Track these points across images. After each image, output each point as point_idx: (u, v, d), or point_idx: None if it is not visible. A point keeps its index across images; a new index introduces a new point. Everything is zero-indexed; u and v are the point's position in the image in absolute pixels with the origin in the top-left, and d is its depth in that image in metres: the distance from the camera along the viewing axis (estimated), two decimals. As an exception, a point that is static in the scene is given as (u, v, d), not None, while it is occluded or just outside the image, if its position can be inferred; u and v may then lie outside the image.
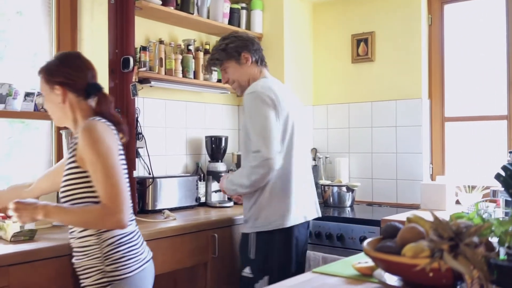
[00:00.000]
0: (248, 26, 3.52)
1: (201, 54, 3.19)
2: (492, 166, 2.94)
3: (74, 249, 1.82)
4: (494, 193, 2.60)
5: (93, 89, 1.86)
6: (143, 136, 2.89)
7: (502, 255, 1.15)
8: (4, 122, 2.56)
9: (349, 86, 3.60)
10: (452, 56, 3.31)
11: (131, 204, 1.81)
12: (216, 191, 3.11)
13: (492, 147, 3.13)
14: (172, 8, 2.95)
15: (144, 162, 2.96)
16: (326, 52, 3.73)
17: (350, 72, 3.60)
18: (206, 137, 3.31)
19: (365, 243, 1.31)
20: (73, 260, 1.83)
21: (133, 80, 2.74)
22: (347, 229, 2.80)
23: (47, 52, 2.68)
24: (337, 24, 3.66)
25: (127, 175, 1.80)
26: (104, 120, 1.80)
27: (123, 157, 1.84)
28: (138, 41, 2.89)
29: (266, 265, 2.22)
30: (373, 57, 3.48)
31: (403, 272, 1.18)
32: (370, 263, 1.42)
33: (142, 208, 2.79)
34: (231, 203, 3.10)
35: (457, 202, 2.99)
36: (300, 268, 2.35)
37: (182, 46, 3.16)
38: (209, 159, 3.32)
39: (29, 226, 2.00)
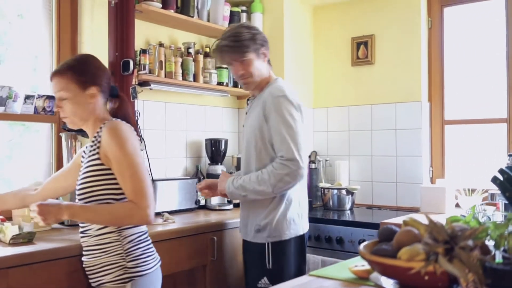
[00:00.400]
0: (248, 29, 3.52)
1: (201, 57, 3.20)
2: (492, 169, 2.92)
3: (89, 248, 1.83)
4: (492, 196, 2.60)
5: (115, 91, 1.95)
6: (143, 138, 2.90)
7: (498, 259, 1.15)
8: (5, 124, 2.57)
9: (349, 89, 3.61)
10: (452, 59, 3.31)
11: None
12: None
13: (492, 150, 3.13)
14: (172, 11, 2.96)
15: (144, 165, 2.96)
16: (326, 55, 3.73)
17: (350, 75, 3.60)
18: (206, 139, 3.32)
19: (362, 246, 1.31)
20: (86, 259, 1.84)
21: (133, 83, 2.75)
22: (347, 232, 2.79)
23: (47, 55, 2.69)
24: (337, 27, 3.67)
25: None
26: (124, 122, 1.86)
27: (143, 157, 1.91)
28: (138, 44, 2.90)
29: (283, 273, 2.18)
30: (373, 60, 3.49)
31: (398, 275, 1.18)
32: (366, 266, 1.42)
33: (142, 210, 2.78)
34: (231, 206, 3.10)
35: (457, 205, 2.98)
36: None
37: (182, 49, 3.16)
38: (209, 162, 3.32)
39: (28, 228, 2.01)
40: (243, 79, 2.26)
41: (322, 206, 3.38)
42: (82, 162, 1.92)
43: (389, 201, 3.39)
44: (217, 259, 2.54)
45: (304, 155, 2.10)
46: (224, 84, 3.33)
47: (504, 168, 1.42)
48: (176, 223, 2.54)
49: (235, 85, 3.38)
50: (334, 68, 3.68)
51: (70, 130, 2.50)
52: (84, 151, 1.95)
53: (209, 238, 2.53)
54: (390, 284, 1.25)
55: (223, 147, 3.29)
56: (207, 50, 3.28)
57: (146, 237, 1.88)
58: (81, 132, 2.21)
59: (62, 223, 2.40)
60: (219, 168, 3.22)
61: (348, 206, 3.27)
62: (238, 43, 2.18)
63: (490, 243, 1.21)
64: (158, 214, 2.76)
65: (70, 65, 1.85)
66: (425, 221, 1.17)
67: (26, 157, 2.66)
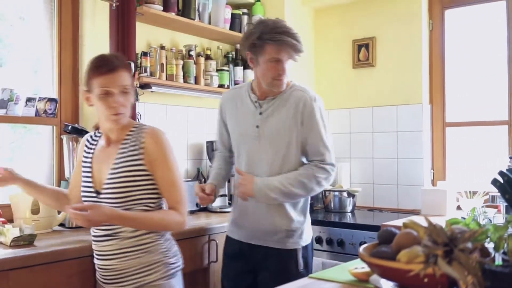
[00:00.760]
0: (250, 32, 3.53)
1: (202, 60, 3.20)
2: (493, 171, 2.92)
3: (121, 250, 1.78)
4: (493, 198, 2.59)
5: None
6: (144, 141, 2.90)
7: (498, 261, 1.15)
8: (6, 127, 2.58)
9: (350, 91, 3.61)
10: (453, 61, 3.31)
11: None
12: (220, 196, 3.09)
13: (493, 152, 3.12)
14: (173, 13, 2.97)
15: (145, 167, 2.96)
16: (327, 57, 3.73)
17: (351, 77, 3.61)
18: (207, 142, 3.32)
19: (361, 248, 1.31)
20: (116, 262, 1.78)
21: (134, 85, 2.75)
22: (348, 234, 2.79)
23: (49, 57, 2.69)
24: (338, 29, 3.67)
25: None
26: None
27: None
28: (139, 47, 2.91)
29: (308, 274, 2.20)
30: (374, 62, 3.49)
31: (398, 277, 1.18)
32: (366, 268, 1.42)
33: (143, 213, 2.78)
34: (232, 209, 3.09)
35: (458, 207, 2.98)
36: None
37: (184, 52, 3.17)
38: (210, 164, 3.32)
39: (28, 231, 2.01)
40: (281, 78, 2.15)
41: (323, 209, 3.37)
42: (87, 153, 1.90)
43: (390, 203, 3.39)
44: (218, 262, 2.54)
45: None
46: (225, 86, 3.33)
47: (504, 170, 1.41)
48: (177, 225, 2.54)
49: (236, 87, 3.38)
50: (335, 70, 3.69)
51: (71, 132, 2.51)
52: (88, 141, 1.93)
53: (210, 240, 2.53)
54: (389, 286, 1.25)
55: (224, 149, 3.28)
56: (208, 52, 3.29)
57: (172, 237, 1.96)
58: (82, 134, 2.21)
59: (62, 225, 2.40)
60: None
61: (349, 208, 3.27)
62: (301, 44, 2.11)
63: (489, 245, 1.20)
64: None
65: (127, 62, 1.90)
66: (425, 223, 1.17)
67: (28, 159, 2.67)
